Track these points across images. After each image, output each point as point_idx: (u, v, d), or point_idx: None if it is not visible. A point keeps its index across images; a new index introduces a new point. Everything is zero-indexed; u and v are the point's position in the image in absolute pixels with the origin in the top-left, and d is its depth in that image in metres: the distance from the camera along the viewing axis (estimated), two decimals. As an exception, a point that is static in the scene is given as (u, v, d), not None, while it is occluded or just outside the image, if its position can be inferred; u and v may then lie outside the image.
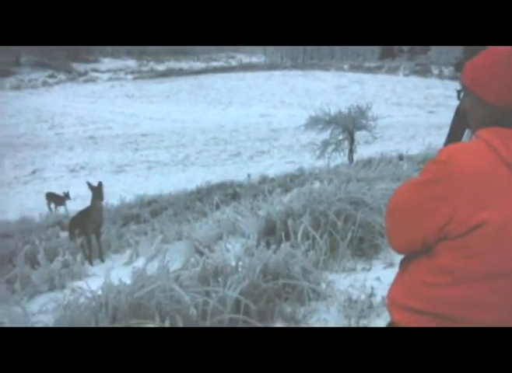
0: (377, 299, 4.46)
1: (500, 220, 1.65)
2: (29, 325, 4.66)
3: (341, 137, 22.90)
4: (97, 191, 8.69)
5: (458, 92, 1.97)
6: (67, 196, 20.27)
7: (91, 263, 8.34)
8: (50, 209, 20.52)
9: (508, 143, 1.70)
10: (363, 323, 4.18)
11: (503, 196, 1.67)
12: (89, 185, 8.77)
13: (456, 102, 2.02)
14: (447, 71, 59.02)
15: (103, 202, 9.17)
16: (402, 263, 2.04)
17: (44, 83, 67.39)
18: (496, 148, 1.70)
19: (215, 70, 73.84)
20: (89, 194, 8.83)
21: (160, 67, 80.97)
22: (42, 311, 4.82)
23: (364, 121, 22.50)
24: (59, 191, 21.21)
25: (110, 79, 70.48)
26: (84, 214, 9.01)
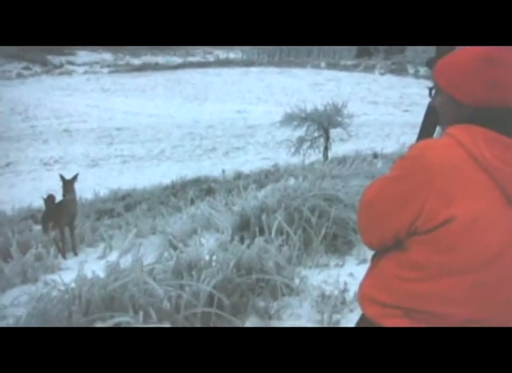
0: (350, 295, 4.51)
1: (468, 216, 1.67)
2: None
3: (316, 135, 22.94)
4: (70, 184, 8.63)
5: (430, 89, 1.99)
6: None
7: (64, 257, 8.28)
8: None
9: (477, 140, 1.72)
10: (336, 318, 4.23)
11: (471, 193, 1.69)
12: (62, 178, 8.70)
13: (430, 101, 2.02)
14: (422, 70, 59.18)
15: (77, 195, 9.12)
16: (374, 258, 2.06)
17: (19, 75, 66.49)
18: (465, 144, 1.72)
19: (192, 65, 73.38)
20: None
21: (136, 62, 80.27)
22: (14, 304, 4.80)
23: (339, 119, 22.55)
24: (32, 185, 20.88)
25: (85, 72, 69.76)
26: (58, 207, 8.94)
